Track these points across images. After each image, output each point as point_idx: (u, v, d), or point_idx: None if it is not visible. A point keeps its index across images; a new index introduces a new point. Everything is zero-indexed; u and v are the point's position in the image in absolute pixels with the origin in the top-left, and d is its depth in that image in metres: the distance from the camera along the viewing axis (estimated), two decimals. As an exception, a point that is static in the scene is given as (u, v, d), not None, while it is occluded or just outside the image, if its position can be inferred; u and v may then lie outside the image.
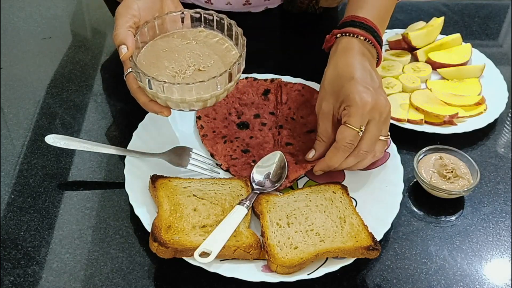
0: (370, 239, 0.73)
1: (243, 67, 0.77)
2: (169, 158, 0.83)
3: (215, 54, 0.78)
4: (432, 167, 0.85)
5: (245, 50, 0.76)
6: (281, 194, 0.81)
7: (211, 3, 1.12)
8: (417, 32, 1.09)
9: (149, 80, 0.72)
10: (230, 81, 0.75)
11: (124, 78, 0.79)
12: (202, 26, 0.82)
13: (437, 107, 0.97)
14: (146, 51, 0.79)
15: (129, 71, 0.77)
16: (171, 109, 0.78)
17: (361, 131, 0.77)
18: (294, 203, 0.79)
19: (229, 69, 0.73)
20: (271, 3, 1.16)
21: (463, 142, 0.93)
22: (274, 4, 1.16)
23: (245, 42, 0.76)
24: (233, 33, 0.79)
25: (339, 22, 0.89)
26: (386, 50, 1.11)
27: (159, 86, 0.72)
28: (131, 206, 0.77)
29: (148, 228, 0.73)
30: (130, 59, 0.75)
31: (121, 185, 0.80)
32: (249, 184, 0.82)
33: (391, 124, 0.93)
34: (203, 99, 0.75)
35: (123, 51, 0.75)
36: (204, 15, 0.80)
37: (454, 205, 0.85)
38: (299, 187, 0.84)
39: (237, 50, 0.79)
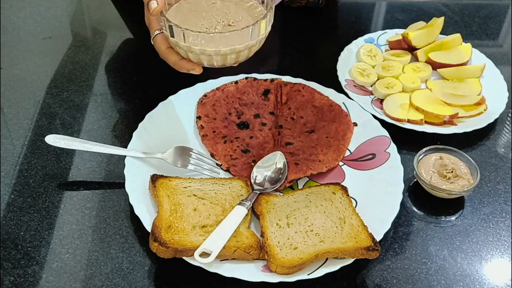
0: (370, 240, 0.73)
1: (272, 21, 0.80)
2: (169, 158, 0.83)
3: (242, 11, 0.81)
4: (432, 167, 0.85)
5: (274, 3, 0.79)
6: (281, 194, 0.81)
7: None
8: (417, 32, 1.09)
9: (183, 33, 0.73)
10: (261, 32, 0.77)
11: (152, 42, 0.79)
12: None
13: (437, 107, 0.96)
14: (172, 12, 0.80)
15: (156, 33, 0.78)
16: (202, 68, 0.80)
17: None
18: (294, 204, 0.79)
19: (262, 19, 0.76)
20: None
21: (463, 142, 0.93)
22: (275, 2, 1.16)
23: None
24: None
25: (340, 21, 0.89)
26: (386, 50, 1.11)
27: (196, 37, 0.73)
28: (131, 206, 0.77)
29: (148, 228, 0.73)
30: (161, 14, 0.76)
31: (121, 185, 0.80)
32: (249, 184, 0.82)
33: (391, 124, 0.93)
34: (237, 51, 0.76)
35: (153, 6, 0.75)
36: None
37: (454, 205, 0.85)
38: (299, 187, 0.84)
39: (262, 8, 0.81)
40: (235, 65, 0.82)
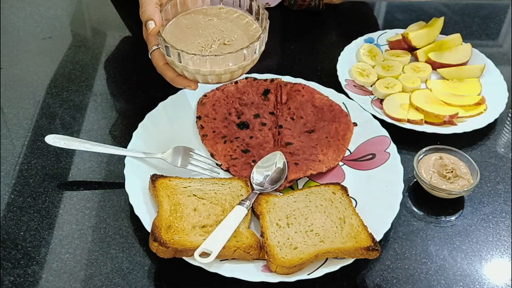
0: (369, 240, 0.73)
1: (266, 39, 0.81)
2: (169, 158, 0.83)
3: (238, 29, 0.82)
4: (432, 167, 0.85)
5: (268, 23, 0.80)
6: (281, 194, 0.81)
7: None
8: (417, 32, 1.09)
9: (178, 54, 0.75)
10: (255, 52, 0.79)
11: (149, 56, 0.81)
12: (221, 3, 0.86)
13: (437, 107, 0.97)
14: (170, 28, 0.83)
15: (154, 48, 0.80)
16: (198, 84, 0.82)
17: None
18: (293, 204, 0.79)
19: (256, 41, 0.77)
20: (273, 1, 1.16)
21: (463, 142, 0.93)
22: (275, 2, 1.16)
23: (267, 15, 0.80)
24: (253, 8, 0.83)
25: (340, 21, 0.90)
26: (386, 50, 1.11)
27: (190, 59, 0.74)
28: (131, 206, 0.77)
29: (148, 228, 0.73)
30: (158, 34, 0.77)
31: (121, 185, 0.80)
32: (249, 184, 0.82)
33: (391, 124, 0.93)
34: (231, 71, 0.78)
35: (151, 26, 0.77)
36: None
37: (454, 205, 0.85)
38: (299, 187, 0.84)
39: (257, 25, 0.83)
40: (230, 81, 0.84)
